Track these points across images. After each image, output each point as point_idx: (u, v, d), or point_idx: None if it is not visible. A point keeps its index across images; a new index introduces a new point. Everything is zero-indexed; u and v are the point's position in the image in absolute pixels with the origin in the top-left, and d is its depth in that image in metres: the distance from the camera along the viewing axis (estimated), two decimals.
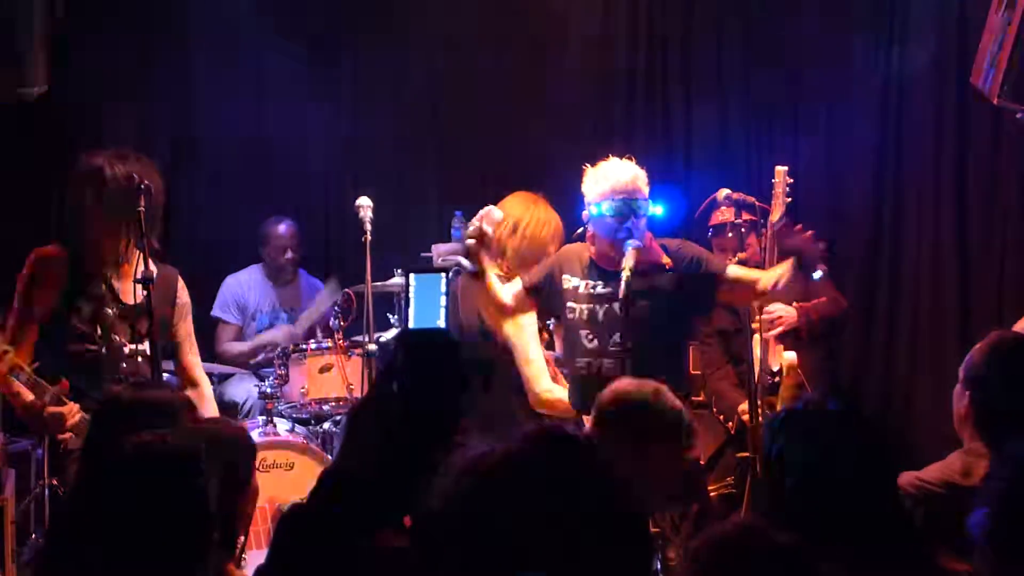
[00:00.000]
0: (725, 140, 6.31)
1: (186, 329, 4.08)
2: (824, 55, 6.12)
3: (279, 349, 5.37)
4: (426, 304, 3.84)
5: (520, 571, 1.64)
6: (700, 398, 4.91)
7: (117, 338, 3.86)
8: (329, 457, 4.88)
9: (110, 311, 3.87)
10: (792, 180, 4.41)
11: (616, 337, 3.91)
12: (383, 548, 2.26)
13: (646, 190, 4.01)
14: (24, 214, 5.59)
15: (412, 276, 3.94)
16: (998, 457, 2.59)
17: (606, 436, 2.82)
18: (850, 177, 6.15)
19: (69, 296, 3.85)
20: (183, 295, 4.08)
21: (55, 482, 4.07)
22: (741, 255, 4.59)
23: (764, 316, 4.72)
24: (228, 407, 5.57)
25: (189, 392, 3.84)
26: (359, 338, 5.06)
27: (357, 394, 5.06)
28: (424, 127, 6.62)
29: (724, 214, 5.02)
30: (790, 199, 4.39)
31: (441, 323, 3.88)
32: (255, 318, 6.20)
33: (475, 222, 3.97)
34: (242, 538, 2.66)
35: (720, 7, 6.36)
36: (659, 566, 3.10)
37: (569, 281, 4.07)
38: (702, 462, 4.41)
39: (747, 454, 4.49)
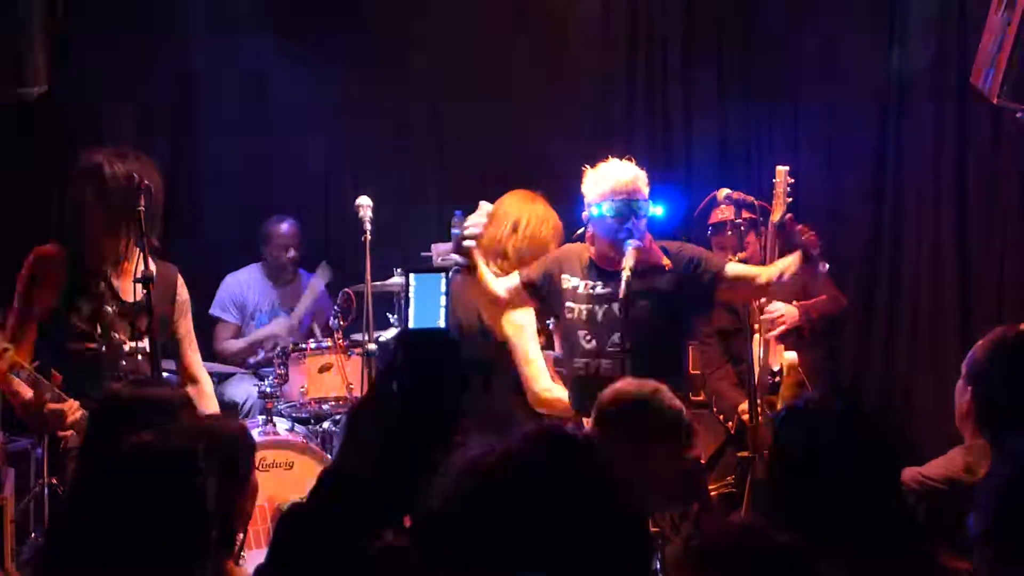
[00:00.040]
0: (725, 140, 6.31)
1: (186, 326, 4.09)
2: (824, 55, 6.12)
3: (279, 348, 5.37)
4: (426, 304, 3.83)
5: (520, 571, 1.64)
6: (700, 398, 4.91)
7: (117, 336, 3.86)
8: (329, 456, 4.89)
9: (110, 309, 3.87)
10: (793, 180, 4.41)
11: (615, 338, 3.91)
12: (383, 548, 2.26)
13: (646, 191, 4.01)
14: (24, 214, 5.58)
15: (412, 276, 3.94)
16: (999, 453, 2.58)
17: (606, 436, 2.82)
18: (850, 177, 6.14)
19: (69, 294, 3.85)
20: (183, 292, 4.09)
21: (55, 481, 4.06)
22: (741, 254, 4.60)
23: (765, 316, 4.72)
24: (228, 407, 5.56)
25: (190, 389, 3.85)
26: (359, 337, 5.07)
27: (357, 394, 5.06)
28: (424, 127, 6.63)
29: (724, 212, 5.02)
30: (791, 199, 4.38)
31: (441, 323, 3.87)
32: (254, 317, 6.20)
33: (468, 226, 3.95)
34: (241, 535, 2.66)
35: (720, 7, 6.37)
36: (659, 566, 3.09)
37: (568, 281, 4.07)
38: (702, 462, 4.41)
39: (747, 454, 4.49)
